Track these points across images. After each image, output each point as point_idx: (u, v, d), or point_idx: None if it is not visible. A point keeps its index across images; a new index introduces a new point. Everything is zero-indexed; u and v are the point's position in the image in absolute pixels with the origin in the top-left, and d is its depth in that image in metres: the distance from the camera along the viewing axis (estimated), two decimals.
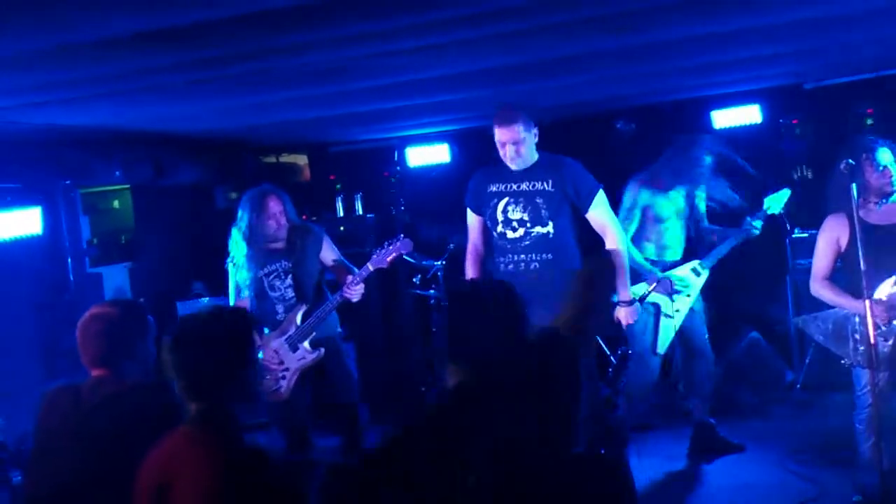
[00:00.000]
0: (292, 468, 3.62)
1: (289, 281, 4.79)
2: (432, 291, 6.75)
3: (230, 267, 4.88)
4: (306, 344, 4.76)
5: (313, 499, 2.34)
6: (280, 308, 4.81)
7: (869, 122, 6.60)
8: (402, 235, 4.88)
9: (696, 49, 4.67)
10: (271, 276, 4.81)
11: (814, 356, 6.07)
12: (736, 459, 5.19)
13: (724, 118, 6.88)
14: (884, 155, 4.08)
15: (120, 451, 2.57)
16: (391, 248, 4.79)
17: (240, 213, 4.79)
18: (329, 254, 4.90)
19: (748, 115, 6.83)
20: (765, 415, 5.95)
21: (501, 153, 4.32)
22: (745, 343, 6.49)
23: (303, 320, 4.76)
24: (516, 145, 4.26)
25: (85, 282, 6.30)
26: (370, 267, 4.75)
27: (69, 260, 6.02)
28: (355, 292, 4.71)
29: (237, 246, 4.80)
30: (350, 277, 4.72)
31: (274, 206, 4.72)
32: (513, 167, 4.34)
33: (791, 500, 4.47)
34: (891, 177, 4.05)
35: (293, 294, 4.80)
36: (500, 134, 4.27)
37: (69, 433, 2.80)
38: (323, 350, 4.77)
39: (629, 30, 4.03)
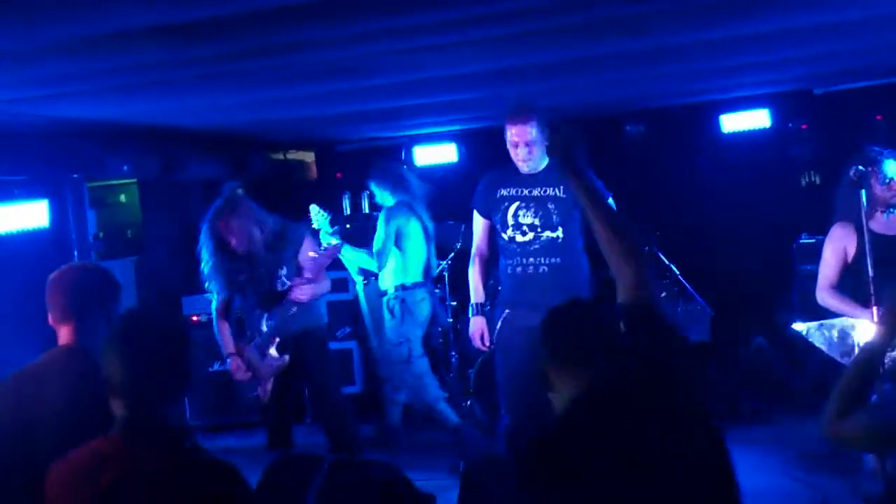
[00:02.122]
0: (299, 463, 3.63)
1: (259, 287, 4.73)
2: (437, 291, 6.74)
3: (205, 273, 4.80)
4: (273, 350, 4.68)
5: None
6: (253, 315, 4.78)
7: (878, 128, 6.58)
8: (333, 243, 4.79)
9: (706, 53, 4.66)
10: (246, 283, 4.76)
11: (819, 362, 6.04)
12: (739, 464, 5.16)
13: (733, 122, 6.88)
14: (891, 167, 4.06)
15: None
16: (323, 255, 4.65)
17: (204, 228, 4.75)
18: (304, 255, 4.71)
19: (757, 119, 6.82)
20: (770, 420, 5.93)
21: (513, 154, 4.30)
22: (750, 348, 6.47)
23: (267, 326, 4.70)
24: (528, 147, 4.24)
25: None
26: (308, 274, 4.64)
27: (76, 253, 6.02)
28: (302, 293, 4.60)
29: (206, 251, 4.74)
30: (296, 280, 4.63)
31: (231, 225, 4.62)
32: (524, 168, 4.33)
33: None
34: None
35: (258, 300, 4.73)
36: (512, 133, 4.26)
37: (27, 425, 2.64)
38: (287, 357, 4.66)
39: (641, 33, 4.02)
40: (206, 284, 4.84)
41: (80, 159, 5.76)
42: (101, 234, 7.25)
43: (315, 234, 5.18)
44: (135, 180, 7.04)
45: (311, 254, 4.63)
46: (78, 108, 4.64)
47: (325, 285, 4.82)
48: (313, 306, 4.87)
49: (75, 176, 5.93)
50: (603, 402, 2.22)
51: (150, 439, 2.19)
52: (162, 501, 2.11)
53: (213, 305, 4.89)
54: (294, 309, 4.64)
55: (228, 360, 4.79)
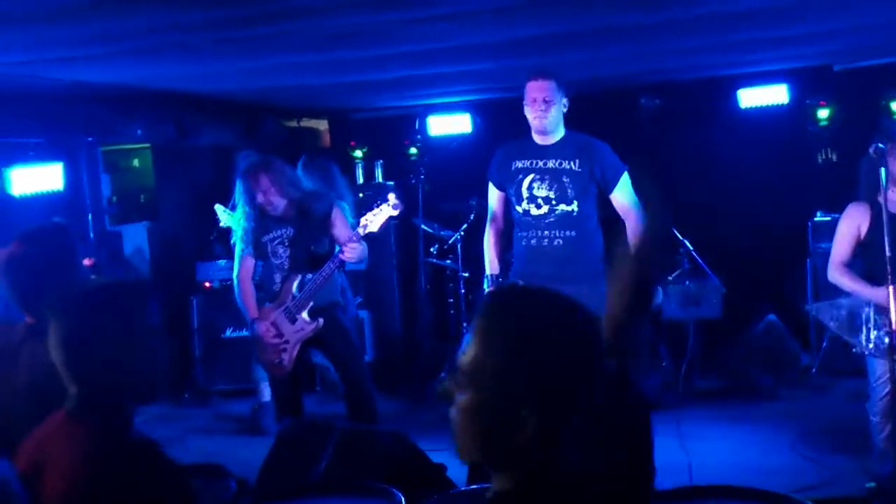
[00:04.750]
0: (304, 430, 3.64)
1: (290, 250, 4.70)
2: (448, 261, 6.75)
3: (235, 229, 4.81)
4: (304, 314, 4.66)
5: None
6: (277, 277, 4.74)
7: None
8: (392, 195, 4.69)
9: (725, 26, 4.60)
10: (275, 243, 4.73)
11: (830, 340, 6.04)
12: (747, 441, 5.19)
13: (751, 97, 6.81)
14: None
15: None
16: (380, 211, 4.60)
17: (237, 181, 4.75)
18: (338, 224, 4.73)
19: (775, 95, 6.75)
20: (779, 397, 5.94)
21: (530, 113, 4.26)
22: (762, 325, 6.47)
23: (299, 290, 4.67)
24: (546, 103, 4.22)
25: (104, 239, 6.33)
26: (360, 231, 4.60)
27: (90, 217, 6.04)
28: (351, 251, 4.55)
29: (240, 209, 4.74)
30: (345, 239, 4.60)
31: (263, 181, 4.61)
32: (537, 127, 4.29)
33: (801, 483, 4.46)
34: None
35: (290, 264, 4.70)
36: (532, 88, 4.23)
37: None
38: (322, 320, 4.66)
39: (659, 4, 3.97)
40: (241, 238, 4.75)
41: (95, 123, 5.76)
42: (114, 199, 7.25)
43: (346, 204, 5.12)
44: (148, 145, 7.02)
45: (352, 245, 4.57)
46: (94, 71, 4.63)
47: (365, 252, 4.73)
48: (336, 282, 4.86)
49: (90, 139, 5.93)
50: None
51: (89, 421, 2.02)
52: (81, 487, 1.94)
53: (237, 268, 4.84)
54: (332, 274, 4.63)
55: (255, 325, 4.75)
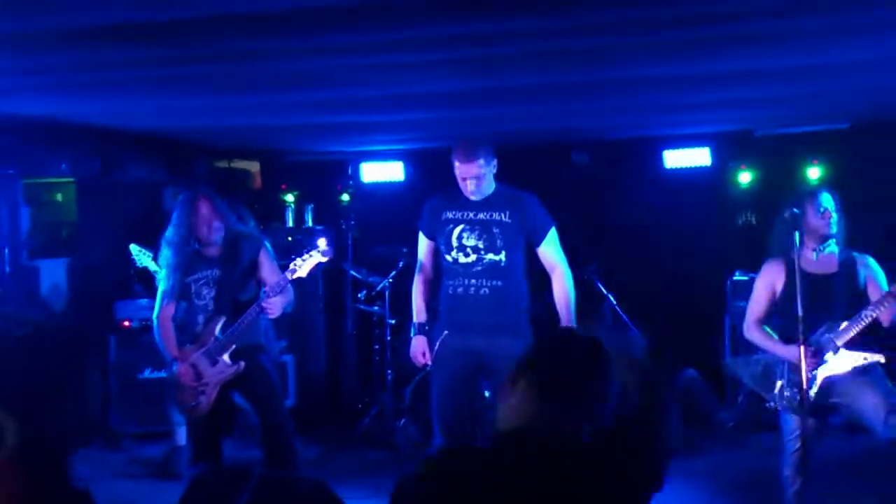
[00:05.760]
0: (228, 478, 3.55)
1: (215, 291, 4.62)
2: (376, 308, 6.73)
3: (160, 268, 4.72)
4: (226, 357, 4.57)
5: None
6: (201, 318, 4.63)
7: (813, 172, 6.80)
8: (322, 241, 4.67)
9: (652, 88, 4.77)
10: (199, 283, 4.64)
11: (747, 396, 6.17)
12: (668, 496, 5.23)
13: (675, 158, 7.03)
14: (826, 199, 4.19)
15: None
16: (310, 257, 4.57)
17: (173, 215, 4.67)
18: (266, 267, 4.66)
19: (698, 157, 6.99)
20: (696, 452, 6.01)
21: (461, 186, 4.34)
22: (681, 379, 6.58)
23: (222, 332, 4.58)
24: (477, 180, 4.28)
25: (20, 274, 6.15)
26: (288, 276, 4.54)
27: (6, 250, 5.86)
28: (272, 305, 4.52)
29: (168, 247, 4.64)
30: (266, 288, 4.56)
31: (205, 209, 4.56)
32: (472, 199, 4.37)
33: None
34: (829, 219, 4.16)
35: (214, 305, 4.60)
36: (460, 170, 4.29)
37: None
38: (243, 364, 4.57)
39: (589, 65, 4.10)
40: (165, 277, 4.64)
41: (17, 155, 5.63)
42: (33, 233, 7.06)
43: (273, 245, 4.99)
44: (72, 179, 6.88)
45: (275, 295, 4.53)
46: (19, 103, 4.53)
47: (290, 296, 4.70)
48: (260, 324, 4.77)
49: (11, 172, 5.78)
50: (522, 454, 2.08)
51: (26, 466, 1.86)
52: None
53: (158, 307, 4.71)
54: (256, 318, 4.56)
55: (175, 365, 4.62)
